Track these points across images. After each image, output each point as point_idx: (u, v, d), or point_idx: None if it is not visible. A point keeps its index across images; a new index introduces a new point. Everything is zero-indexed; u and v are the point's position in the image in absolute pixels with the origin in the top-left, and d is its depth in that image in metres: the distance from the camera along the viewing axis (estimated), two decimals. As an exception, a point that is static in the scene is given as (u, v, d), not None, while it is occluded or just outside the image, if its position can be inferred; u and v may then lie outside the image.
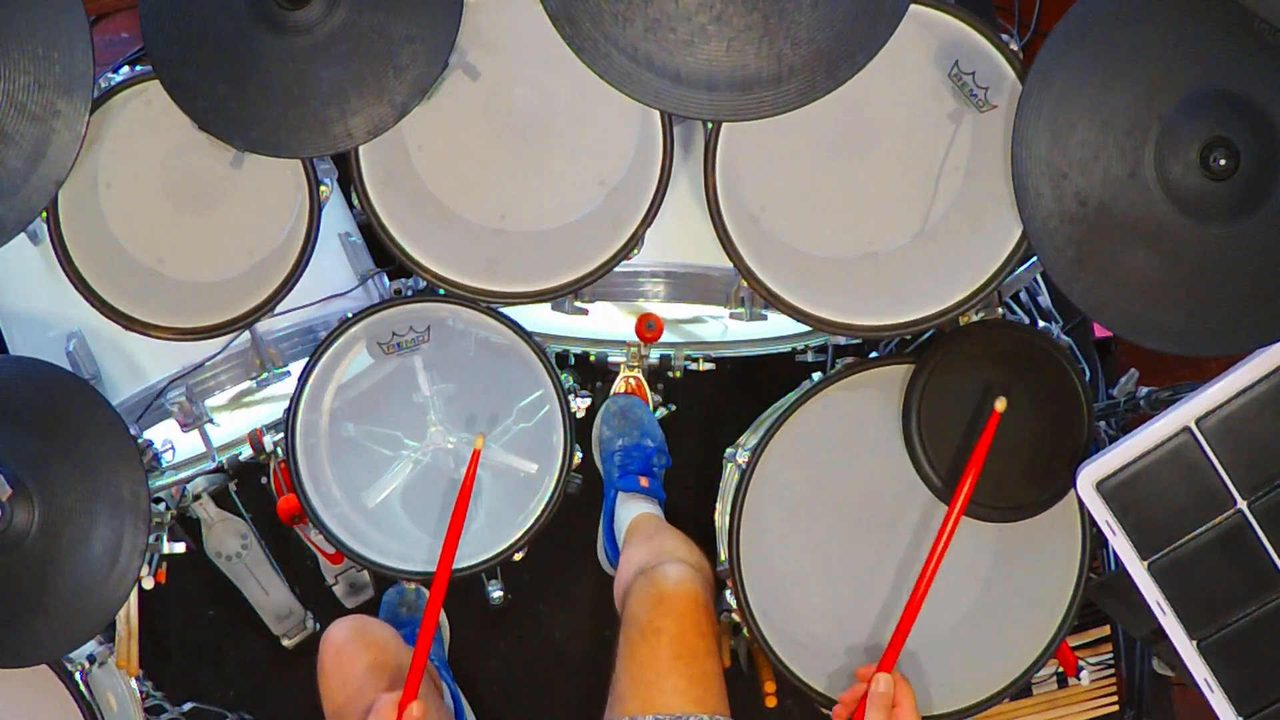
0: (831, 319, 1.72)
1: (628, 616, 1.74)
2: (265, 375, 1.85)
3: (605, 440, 2.22)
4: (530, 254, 1.77)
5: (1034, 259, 1.69)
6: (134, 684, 1.86)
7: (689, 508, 2.22)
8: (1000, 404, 1.60)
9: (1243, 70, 1.50)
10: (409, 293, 1.84)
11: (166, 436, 1.88)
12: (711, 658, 1.70)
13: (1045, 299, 2.10)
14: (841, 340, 2.04)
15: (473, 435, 1.85)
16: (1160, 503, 1.59)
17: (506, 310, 1.79)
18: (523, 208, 1.77)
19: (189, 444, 1.92)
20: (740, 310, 1.86)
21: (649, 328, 1.96)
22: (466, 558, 1.82)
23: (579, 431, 1.82)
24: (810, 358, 2.10)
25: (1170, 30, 1.51)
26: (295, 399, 1.79)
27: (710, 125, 1.64)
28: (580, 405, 1.85)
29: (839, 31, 1.53)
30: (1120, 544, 1.60)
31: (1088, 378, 1.77)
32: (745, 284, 1.71)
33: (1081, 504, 1.65)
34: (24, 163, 1.54)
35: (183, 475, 1.99)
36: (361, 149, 1.65)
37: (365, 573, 2.27)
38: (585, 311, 1.86)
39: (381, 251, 1.80)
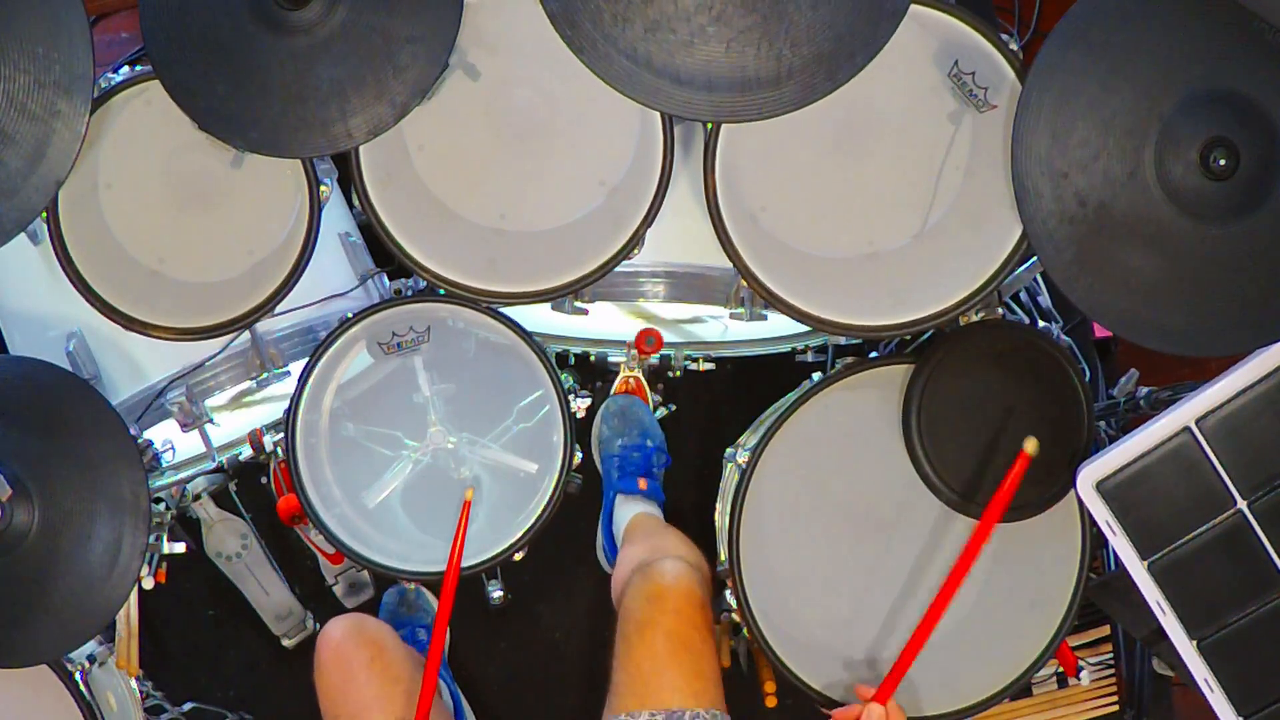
0: (831, 319, 1.72)
1: (624, 612, 1.74)
2: (265, 375, 1.85)
3: (605, 440, 2.22)
4: (530, 254, 1.77)
5: (1034, 259, 1.69)
6: (134, 684, 1.86)
7: (689, 508, 2.22)
8: (1030, 445, 1.55)
9: (1243, 70, 1.50)
10: (409, 293, 1.84)
11: (166, 436, 1.88)
12: (708, 653, 1.70)
13: (1045, 299, 2.10)
14: (841, 340, 2.04)
15: (473, 435, 1.85)
16: (1160, 503, 1.59)
17: (506, 310, 1.79)
18: (523, 208, 1.77)
19: (189, 444, 1.92)
20: (740, 310, 1.86)
21: (648, 344, 1.97)
22: (466, 558, 1.81)
23: (579, 431, 1.82)
24: (810, 358, 2.10)
25: (1170, 30, 1.51)
26: (295, 399, 1.79)
27: (710, 125, 1.64)
28: (580, 405, 1.85)
29: (839, 32, 1.53)
30: (1120, 544, 1.60)
31: (1088, 378, 1.77)
32: (745, 284, 1.71)
33: (1081, 504, 1.65)
34: (24, 163, 1.54)
35: (183, 475, 1.99)
36: (361, 149, 1.65)
37: (365, 573, 2.26)
38: (585, 311, 1.86)
39: (381, 251, 1.80)
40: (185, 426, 1.85)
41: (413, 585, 2.23)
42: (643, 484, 2.14)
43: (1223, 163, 1.49)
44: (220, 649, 2.32)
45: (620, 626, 1.74)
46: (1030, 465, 1.57)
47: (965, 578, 1.57)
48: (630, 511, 2.10)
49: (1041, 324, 1.89)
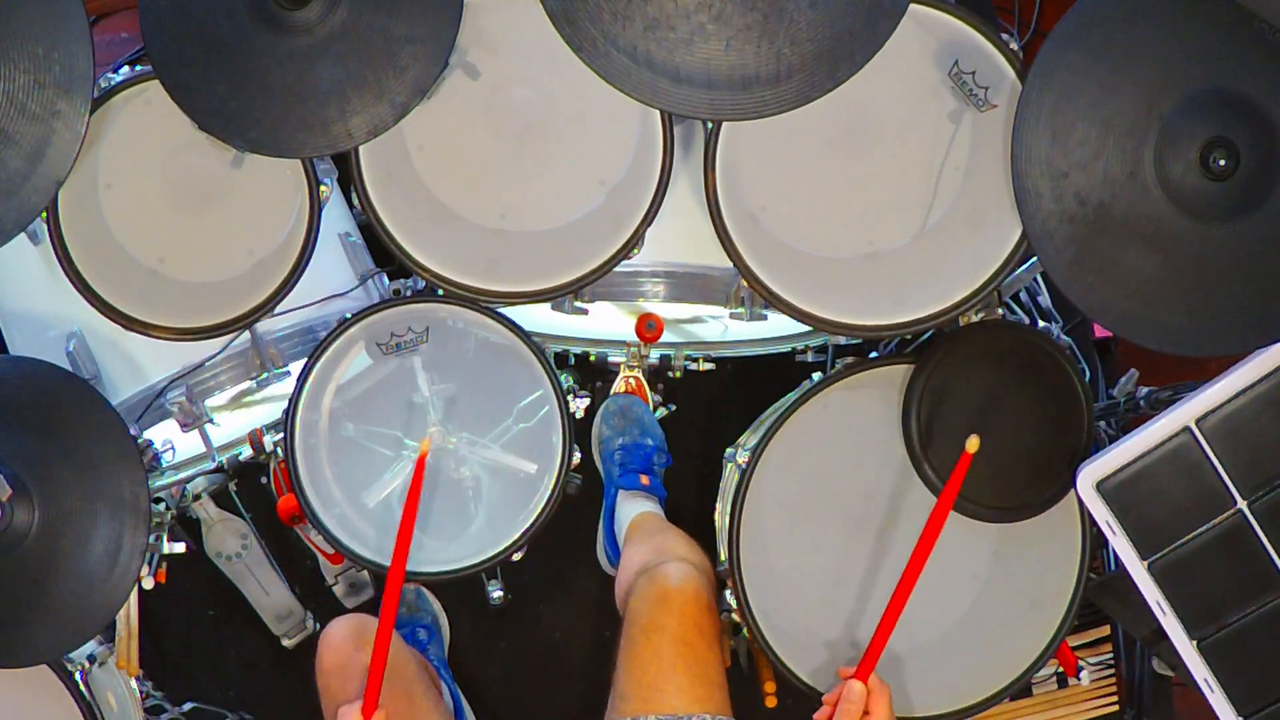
0: (831, 319, 1.72)
1: (630, 615, 1.74)
2: (265, 375, 1.85)
3: (605, 439, 2.22)
4: (530, 254, 1.77)
5: (1034, 259, 1.69)
6: (134, 684, 1.86)
7: (689, 508, 2.22)
8: (972, 444, 1.53)
9: (1243, 70, 1.50)
10: (408, 293, 1.84)
11: (166, 436, 1.88)
12: (714, 656, 1.70)
13: (1045, 299, 2.10)
14: (841, 340, 2.04)
15: (473, 435, 1.85)
16: (1160, 503, 1.59)
17: (506, 310, 1.79)
18: (523, 208, 1.77)
19: (189, 444, 1.92)
20: (740, 310, 1.86)
21: (649, 328, 1.96)
22: (466, 558, 1.82)
23: (578, 431, 1.82)
24: (810, 358, 2.10)
25: (1170, 30, 1.51)
26: (294, 399, 1.79)
27: (710, 125, 1.64)
28: (579, 405, 1.85)
29: (838, 31, 1.53)
30: (1120, 544, 1.60)
31: (1088, 378, 1.77)
32: (745, 284, 1.71)
33: (1081, 504, 1.65)
34: (24, 163, 1.54)
35: (183, 475, 1.99)
36: (361, 149, 1.65)
37: (365, 573, 2.26)
38: (585, 311, 1.86)
39: (381, 251, 1.80)
40: (185, 426, 1.85)
41: (413, 585, 2.22)
42: (644, 480, 2.14)
43: (1223, 163, 1.49)
44: (220, 649, 2.31)
45: (625, 629, 1.74)
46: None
47: (926, 559, 1.55)
48: (633, 509, 2.10)
49: (1041, 324, 1.89)
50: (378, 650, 1.56)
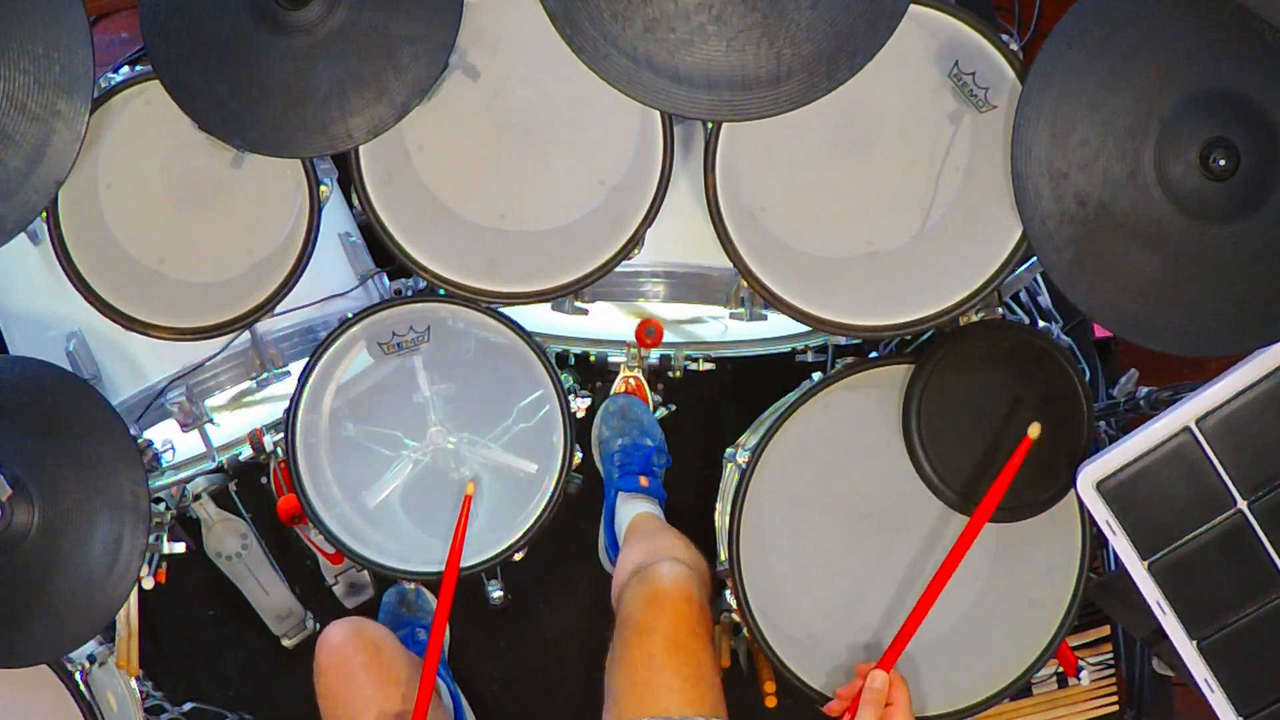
0: (831, 319, 1.72)
1: (622, 615, 1.74)
2: (265, 375, 1.85)
3: (605, 440, 2.22)
4: (530, 254, 1.77)
5: (1034, 259, 1.69)
6: (134, 684, 1.86)
7: (689, 508, 2.22)
8: (1034, 430, 1.58)
9: (1243, 70, 1.50)
10: (409, 293, 1.84)
11: (166, 436, 1.88)
12: (706, 656, 1.70)
13: (1045, 299, 2.10)
14: (841, 340, 2.04)
15: (473, 435, 1.85)
16: (1160, 503, 1.59)
17: (506, 310, 1.79)
18: (523, 208, 1.77)
19: (189, 444, 1.92)
20: (740, 310, 1.86)
21: (649, 334, 1.96)
22: (466, 558, 1.82)
23: (579, 431, 1.82)
24: (810, 358, 2.10)
25: (1170, 30, 1.51)
26: (295, 399, 1.79)
27: (710, 125, 1.64)
28: (580, 405, 1.85)
29: (838, 31, 1.53)
30: (1120, 544, 1.60)
31: (1088, 378, 1.77)
32: (745, 284, 1.71)
33: (1081, 504, 1.65)
34: (24, 163, 1.54)
35: (183, 475, 1.99)
36: (361, 149, 1.66)
37: (365, 573, 2.27)
38: (585, 311, 1.86)
39: (381, 251, 1.81)
40: (185, 426, 1.85)
41: (412, 585, 2.23)
42: (644, 481, 2.14)
43: (1223, 163, 1.49)
44: (220, 649, 2.32)
45: (618, 630, 1.74)
46: (1031, 453, 1.58)
47: (969, 548, 1.57)
48: (632, 510, 2.10)
49: (1041, 324, 1.89)
50: (423, 689, 1.58)
